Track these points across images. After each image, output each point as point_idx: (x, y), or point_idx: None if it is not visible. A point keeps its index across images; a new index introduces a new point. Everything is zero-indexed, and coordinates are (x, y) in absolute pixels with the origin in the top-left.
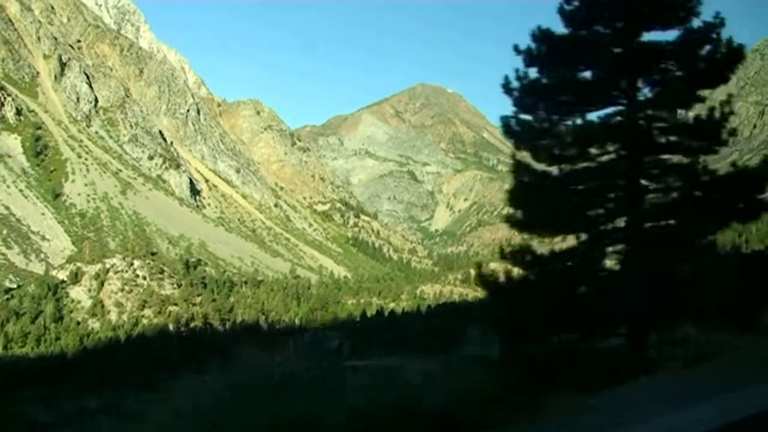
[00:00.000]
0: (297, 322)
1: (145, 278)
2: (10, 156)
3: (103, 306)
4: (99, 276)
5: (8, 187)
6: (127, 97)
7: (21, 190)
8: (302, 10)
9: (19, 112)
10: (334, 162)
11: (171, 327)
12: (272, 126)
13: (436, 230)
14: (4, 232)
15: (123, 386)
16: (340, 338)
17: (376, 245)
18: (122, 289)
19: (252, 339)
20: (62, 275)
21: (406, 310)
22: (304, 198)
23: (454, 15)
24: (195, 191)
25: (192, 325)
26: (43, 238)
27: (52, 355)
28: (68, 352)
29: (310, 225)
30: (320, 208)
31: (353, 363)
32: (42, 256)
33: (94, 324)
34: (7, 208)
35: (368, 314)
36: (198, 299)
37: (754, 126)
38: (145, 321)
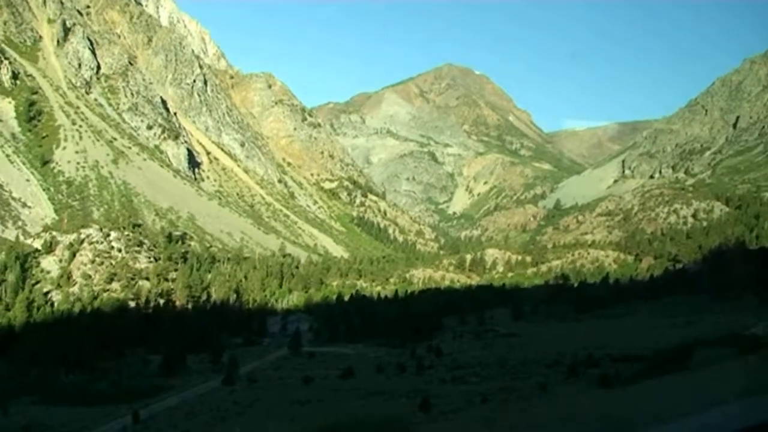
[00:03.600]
0: (273, 302)
1: (120, 250)
2: (0, 120)
3: (70, 277)
4: (73, 246)
5: None
6: (131, 64)
7: (8, 155)
8: None
9: (15, 76)
10: (355, 140)
11: (132, 303)
12: (283, 100)
13: (454, 213)
14: None
15: (55, 365)
16: (311, 322)
17: (382, 226)
18: (93, 261)
19: (215, 320)
20: (37, 244)
21: (387, 294)
22: (312, 175)
23: None
24: (194, 163)
25: (158, 301)
26: (24, 205)
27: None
28: (15, 325)
29: (315, 202)
30: (327, 185)
31: (312, 349)
32: (20, 223)
33: (57, 296)
34: None
35: (346, 297)
36: (173, 274)
37: None
38: (111, 295)
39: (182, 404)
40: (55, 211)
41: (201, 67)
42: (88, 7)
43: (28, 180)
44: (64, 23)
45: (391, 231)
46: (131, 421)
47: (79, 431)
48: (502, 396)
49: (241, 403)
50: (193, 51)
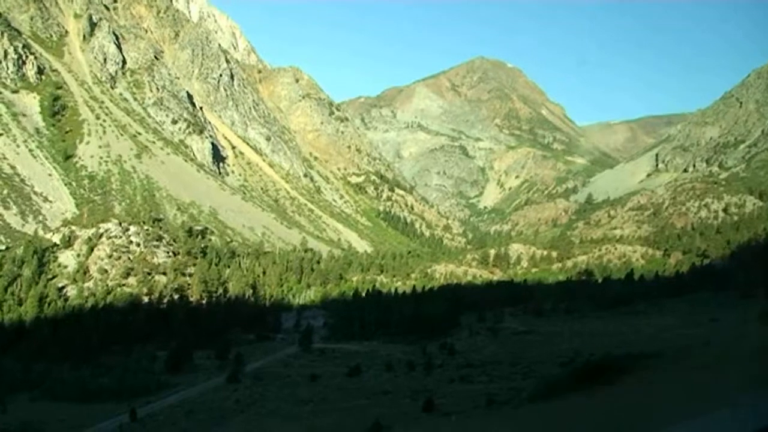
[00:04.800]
0: (290, 297)
1: (138, 245)
2: (25, 115)
3: (86, 272)
4: (91, 240)
5: (18, 146)
6: (157, 59)
7: (31, 150)
8: None
9: (40, 71)
10: (386, 134)
11: (146, 298)
12: (311, 94)
13: (485, 207)
14: (5, 191)
15: (61, 360)
16: (326, 318)
17: (408, 220)
18: (110, 256)
19: (229, 316)
20: (56, 238)
21: (406, 290)
22: (338, 169)
23: None
24: (219, 158)
25: (172, 296)
26: (46, 199)
27: (10, 322)
28: (26, 320)
29: (341, 197)
30: (354, 180)
31: (323, 346)
32: (40, 217)
33: (72, 291)
34: (12, 167)
35: (364, 293)
36: (191, 269)
37: None
38: (126, 289)
39: (184, 402)
40: (77, 205)
41: (228, 61)
42: (115, 1)
43: (50, 174)
44: (90, 18)
45: (417, 225)
46: (129, 418)
47: (74, 428)
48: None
49: (243, 401)
50: (219, 45)
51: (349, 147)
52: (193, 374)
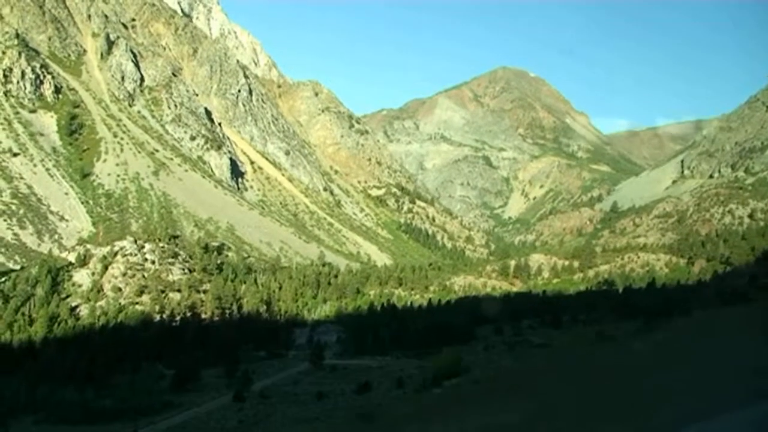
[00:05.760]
0: (304, 312)
1: (153, 262)
2: (42, 134)
3: (100, 291)
4: (106, 259)
5: (35, 165)
6: (175, 76)
7: (48, 170)
8: None
9: (58, 90)
10: (409, 146)
11: (158, 316)
12: (330, 108)
13: (509, 217)
14: (21, 211)
15: (67, 380)
16: (339, 333)
17: (430, 232)
18: (124, 274)
19: (240, 332)
20: (72, 257)
21: (423, 303)
22: (359, 182)
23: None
24: (238, 173)
25: (185, 314)
26: (62, 218)
27: (19, 342)
28: (36, 340)
29: (362, 210)
30: (375, 192)
31: (335, 362)
32: (56, 237)
33: (85, 309)
34: (29, 187)
35: (378, 307)
36: (206, 286)
37: None
38: (138, 307)
39: (187, 422)
40: (93, 224)
41: (246, 77)
42: (134, 20)
43: (66, 193)
44: (107, 37)
45: (439, 237)
46: None
47: None
48: None
49: (247, 420)
50: (238, 61)
51: (369, 160)
52: (201, 392)
